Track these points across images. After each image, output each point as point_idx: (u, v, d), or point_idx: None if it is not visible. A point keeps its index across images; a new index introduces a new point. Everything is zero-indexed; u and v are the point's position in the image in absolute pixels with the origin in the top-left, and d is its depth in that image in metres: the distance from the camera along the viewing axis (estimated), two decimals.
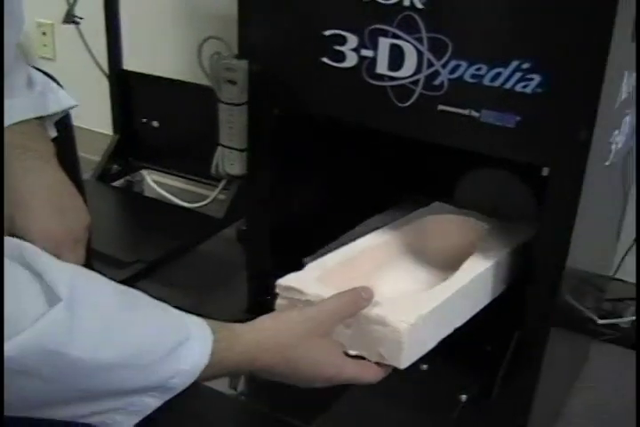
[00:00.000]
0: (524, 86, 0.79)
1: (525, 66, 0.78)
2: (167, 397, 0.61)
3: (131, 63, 1.74)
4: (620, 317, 1.42)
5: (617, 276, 1.43)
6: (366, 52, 0.86)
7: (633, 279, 1.46)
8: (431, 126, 0.86)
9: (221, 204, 1.68)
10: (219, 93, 1.56)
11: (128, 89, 1.75)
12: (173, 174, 1.83)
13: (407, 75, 0.85)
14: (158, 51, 1.79)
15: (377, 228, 1.19)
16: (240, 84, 1.52)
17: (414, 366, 0.94)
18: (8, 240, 0.57)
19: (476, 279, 0.88)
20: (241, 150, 1.61)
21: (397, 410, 0.92)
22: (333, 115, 0.92)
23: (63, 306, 0.54)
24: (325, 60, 0.89)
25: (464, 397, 0.91)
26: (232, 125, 1.58)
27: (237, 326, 0.69)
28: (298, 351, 0.71)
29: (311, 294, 0.80)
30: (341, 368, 0.75)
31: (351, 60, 0.87)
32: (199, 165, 1.69)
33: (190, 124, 1.71)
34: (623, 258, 1.40)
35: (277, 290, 0.83)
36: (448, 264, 0.95)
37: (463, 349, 0.97)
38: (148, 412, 0.61)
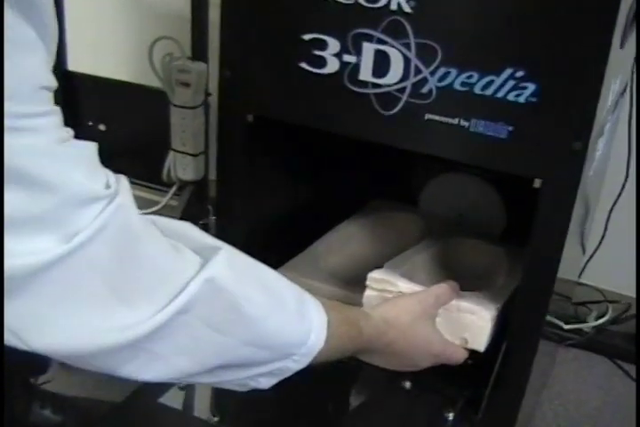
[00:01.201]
0: (517, 95, 0.76)
1: (519, 74, 0.75)
2: (307, 360, 0.68)
3: (76, 64, 1.66)
4: (584, 321, 1.42)
5: (580, 280, 1.43)
6: (349, 58, 0.82)
7: (596, 283, 1.46)
8: (418, 136, 0.83)
9: (173, 210, 1.62)
10: (171, 96, 1.51)
11: (73, 91, 1.67)
12: None
13: (393, 82, 0.81)
14: (106, 51, 1.71)
15: (350, 235, 1.17)
16: (194, 86, 1.47)
17: (397, 384, 0.92)
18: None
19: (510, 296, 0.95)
20: (194, 155, 1.56)
21: None
22: (312, 123, 0.88)
23: (224, 253, 0.62)
24: (304, 65, 0.84)
25: (451, 415, 0.88)
26: (185, 129, 1.53)
27: (362, 308, 0.83)
28: (415, 329, 0.83)
29: (403, 286, 0.92)
30: (445, 346, 0.87)
31: (332, 66, 0.83)
32: (149, 170, 1.63)
33: (140, 127, 1.64)
34: (587, 262, 1.39)
35: (368, 282, 0.93)
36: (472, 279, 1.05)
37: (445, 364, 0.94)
38: (288, 375, 0.68)
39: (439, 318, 0.89)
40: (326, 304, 0.72)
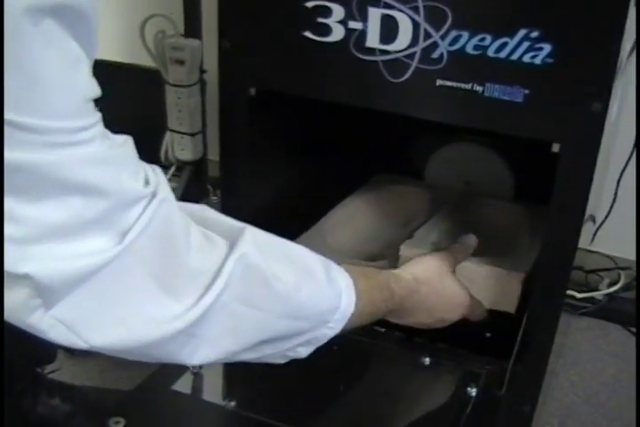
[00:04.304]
0: (533, 57, 0.73)
1: (534, 34, 0.72)
2: (340, 325, 0.69)
3: None
4: (597, 289, 1.40)
5: (590, 248, 1.40)
6: (354, 25, 0.78)
7: (606, 251, 1.44)
8: (429, 103, 0.80)
9: (173, 191, 1.59)
10: (165, 75, 1.47)
11: None
12: None
13: (401, 48, 0.78)
14: None
15: (355, 210, 1.15)
16: (188, 63, 1.44)
17: (415, 359, 0.90)
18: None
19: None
20: (192, 134, 1.52)
21: (403, 410, 0.86)
22: (318, 95, 0.85)
23: (249, 233, 0.63)
24: (308, 34, 0.81)
25: (474, 390, 0.86)
26: (181, 108, 1.50)
27: (393, 270, 0.83)
28: (443, 284, 0.85)
29: None
30: (469, 297, 0.88)
31: (337, 34, 0.80)
32: (146, 152, 1.55)
33: (135, 109, 1.60)
34: (597, 229, 1.37)
35: (401, 254, 0.98)
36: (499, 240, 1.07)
37: (463, 338, 0.92)
38: (324, 342, 0.70)
39: (472, 283, 0.90)
40: (355, 271, 0.73)
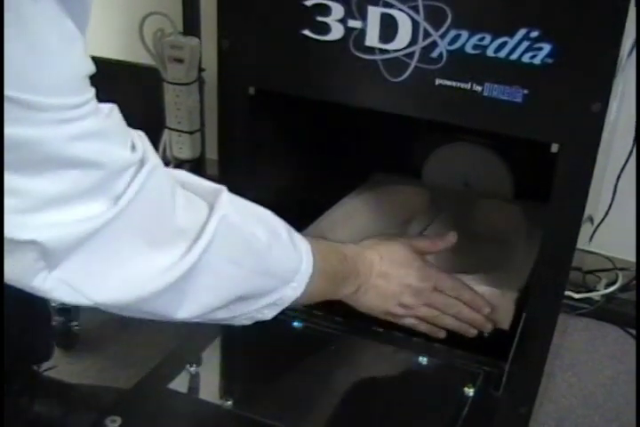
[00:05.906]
0: (532, 57, 0.73)
1: (534, 34, 0.72)
2: (302, 285, 0.75)
3: None
4: (594, 290, 1.40)
5: (588, 248, 1.40)
6: (354, 23, 0.78)
7: (604, 251, 1.44)
8: (428, 102, 0.79)
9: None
10: (164, 73, 1.47)
11: None
12: None
13: (401, 47, 0.77)
14: (95, 28, 1.67)
15: (354, 209, 1.15)
16: (187, 62, 1.44)
17: (413, 359, 0.90)
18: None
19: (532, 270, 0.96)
20: (190, 133, 1.52)
21: (400, 410, 0.85)
22: (317, 94, 0.84)
23: (226, 195, 0.69)
24: (307, 32, 0.81)
25: (471, 391, 0.86)
26: (180, 107, 1.50)
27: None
28: (391, 248, 0.89)
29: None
30: (425, 264, 0.91)
31: (337, 33, 0.79)
32: None
33: (133, 107, 1.57)
34: (595, 229, 1.37)
35: None
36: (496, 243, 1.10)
37: (460, 338, 0.92)
38: (288, 304, 0.76)
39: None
40: (312, 240, 0.80)
